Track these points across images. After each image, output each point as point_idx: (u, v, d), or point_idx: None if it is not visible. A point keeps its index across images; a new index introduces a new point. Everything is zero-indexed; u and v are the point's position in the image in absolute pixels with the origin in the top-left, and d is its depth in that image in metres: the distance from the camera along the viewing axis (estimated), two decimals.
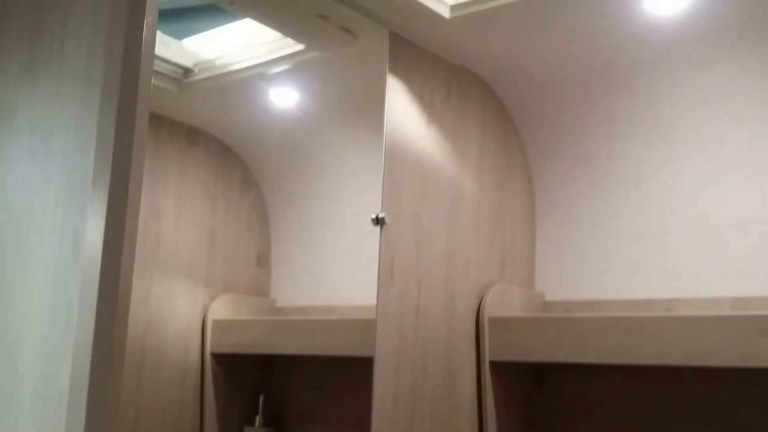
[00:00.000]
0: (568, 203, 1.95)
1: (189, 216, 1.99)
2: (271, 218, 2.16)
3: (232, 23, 1.81)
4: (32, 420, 1.13)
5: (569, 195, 1.95)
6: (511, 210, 1.94)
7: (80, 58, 1.19)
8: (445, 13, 1.61)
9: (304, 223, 2.11)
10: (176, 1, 1.72)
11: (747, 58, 1.66)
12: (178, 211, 1.96)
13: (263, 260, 2.14)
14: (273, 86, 1.95)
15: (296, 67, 1.82)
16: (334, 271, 2.04)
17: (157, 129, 1.93)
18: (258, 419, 2.02)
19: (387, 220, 1.59)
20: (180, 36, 1.84)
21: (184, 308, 1.96)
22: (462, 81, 1.84)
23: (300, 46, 1.74)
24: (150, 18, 1.08)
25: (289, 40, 1.74)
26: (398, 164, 1.65)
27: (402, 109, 1.67)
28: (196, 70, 1.87)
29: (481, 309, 1.78)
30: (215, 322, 1.99)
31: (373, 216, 1.59)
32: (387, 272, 1.59)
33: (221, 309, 2.01)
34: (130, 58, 1.08)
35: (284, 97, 2.01)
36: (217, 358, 1.98)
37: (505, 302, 1.82)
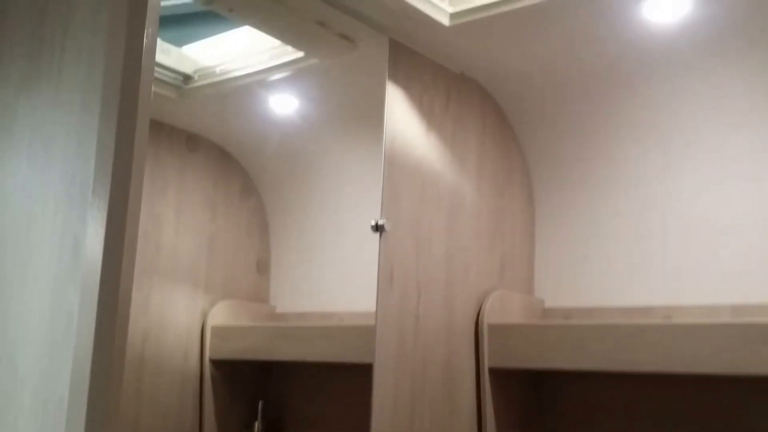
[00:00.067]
0: (568, 209, 1.96)
1: (189, 222, 1.99)
2: (271, 225, 2.16)
3: (232, 30, 1.82)
4: (32, 423, 1.13)
5: (569, 201, 1.96)
6: (511, 216, 1.95)
7: (80, 65, 1.19)
8: (445, 20, 1.62)
9: (304, 230, 2.12)
10: (176, 7, 1.72)
11: (745, 64, 1.66)
12: (177, 218, 1.96)
13: (263, 266, 2.14)
14: (273, 93, 1.95)
15: (296, 74, 1.82)
16: (334, 277, 2.04)
17: (157, 136, 1.93)
18: (257, 425, 2.02)
19: (386, 227, 1.60)
20: (180, 43, 1.85)
21: (184, 314, 1.96)
22: (461, 88, 1.84)
23: (299, 54, 1.74)
24: (150, 28, 1.09)
25: (289, 48, 1.74)
26: (398, 171, 1.65)
27: (401, 116, 1.67)
28: (196, 77, 1.87)
29: (480, 315, 1.78)
30: (215, 328, 1.99)
31: (373, 223, 1.59)
32: (386, 279, 1.59)
33: (221, 315, 2.01)
34: (131, 67, 1.08)
35: (284, 104, 2.02)
36: (217, 364, 1.98)
37: (505, 308, 1.82)
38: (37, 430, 1.11)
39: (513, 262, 1.93)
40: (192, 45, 1.87)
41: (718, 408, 1.64)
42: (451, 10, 1.62)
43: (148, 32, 1.09)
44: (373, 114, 1.66)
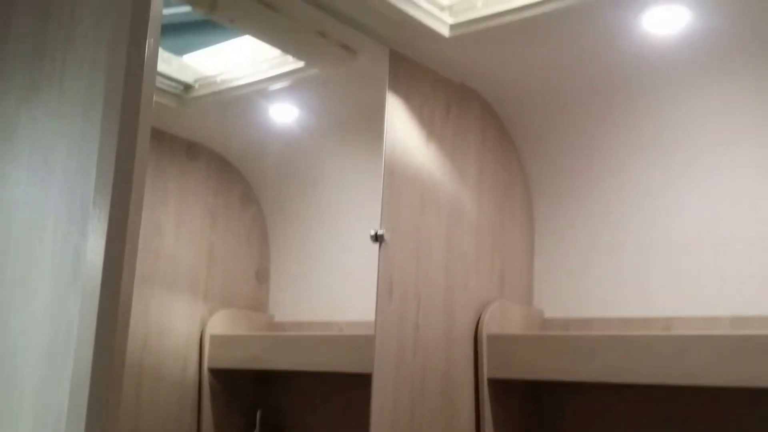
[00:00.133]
0: (567, 220, 1.96)
1: (189, 231, 1.99)
2: (271, 234, 2.16)
3: (233, 40, 1.82)
4: None
5: (568, 212, 1.96)
6: (510, 227, 1.95)
7: (82, 77, 1.19)
8: (445, 31, 1.62)
9: (304, 239, 2.12)
10: (177, 16, 1.73)
11: (746, 77, 1.67)
12: (177, 227, 1.96)
13: (262, 275, 2.14)
14: (273, 103, 1.96)
15: (296, 83, 1.83)
16: (333, 286, 2.04)
17: (157, 145, 1.93)
18: None
19: (386, 237, 1.60)
20: (181, 52, 1.85)
21: (183, 323, 1.95)
22: (461, 99, 1.85)
23: (300, 63, 1.75)
24: (152, 39, 1.09)
25: (289, 57, 1.75)
26: (398, 181, 1.65)
27: (401, 127, 1.67)
28: (197, 86, 1.87)
29: (479, 326, 1.78)
30: (213, 337, 1.98)
31: (372, 233, 1.60)
32: (386, 289, 1.59)
33: (220, 324, 2.01)
34: (132, 79, 1.09)
35: (284, 114, 2.02)
36: (215, 373, 1.98)
37: (504, 319, 1.82)
38: None
39: (512, 273, 1.93)
40: (193, 54, 1.87)
41: (717, 419, 1.64)
42: (451, 21, 1.62)
43: (149, 43, 1.10)
44: (373, 124, 1.66)
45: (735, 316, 1.64)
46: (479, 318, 1.79)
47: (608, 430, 1.78)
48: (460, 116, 1.84)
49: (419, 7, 1.55)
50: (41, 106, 1.27)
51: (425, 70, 1.75)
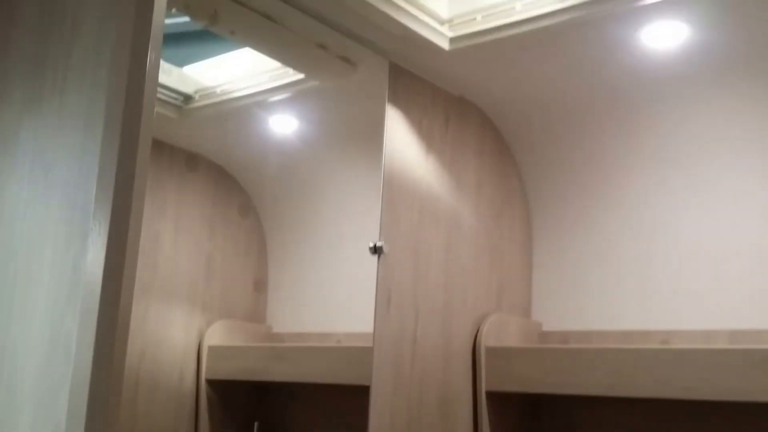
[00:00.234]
0: (566, 233, 1.96)
1: (187, 241, 1.99)
2: (269, 244, 2.16)
3: (233, 51, 1.83)
4: None
5: (567, 225, 1.96)
6: (509, 240, 1.95)
7: (83, 90, 1.19)
8: (445, 44, 1.63)
9: (302, 250, 2.11)
10: (178, 27, 1.73)
11: (745, 90, 1.67)
12: (176, 237, 1.96)
13: (260, 286, 2.14)
14: (273, 114, 1.96)
15: (296, 95, 1.83)
16: (331, 298, 2.04)
17: (156, 155, 1.92)
18: None
19: (385, 249, 1.60)
20: (181, 63, 1.86)
21: (180, 334, 1.95)
22: (460, 112, 1.85)
23: (300, 75, 1.75)
24: (153, 53, 1.09)
25: (289, 69, 1.75)
26: (397, 194, 1.65)
27: (401, 139, 1.68)
28: (197, 97, 1.88)
29: (478, 338, 1.78)
30: (211, 348, 1.98)
31: (371, 245, 1.60)
32: (384, 301, 1.59)
33: (217, 335, 2.00)
34: (134, 93, 1.09)
35: (284, 125, 2.02)
36: (213, 384, 1.97)
37: (503, 332, 1.82)
38: None
39: (511, 286, 1.93)
40: (193, 65, 1.87)
41: None
42: (451, 34, 1.63)
43: (150, 57, 1.10)
44: (373, 136, 1.66)
45: (734, 330, 1.64)
46: (477, 330, 1.79)
47: None
48: (459, 129, 1.84)
49: (419, 20, 1.56)
50: (42, 119, 1.27)
51: (425, 83, 1.75)
